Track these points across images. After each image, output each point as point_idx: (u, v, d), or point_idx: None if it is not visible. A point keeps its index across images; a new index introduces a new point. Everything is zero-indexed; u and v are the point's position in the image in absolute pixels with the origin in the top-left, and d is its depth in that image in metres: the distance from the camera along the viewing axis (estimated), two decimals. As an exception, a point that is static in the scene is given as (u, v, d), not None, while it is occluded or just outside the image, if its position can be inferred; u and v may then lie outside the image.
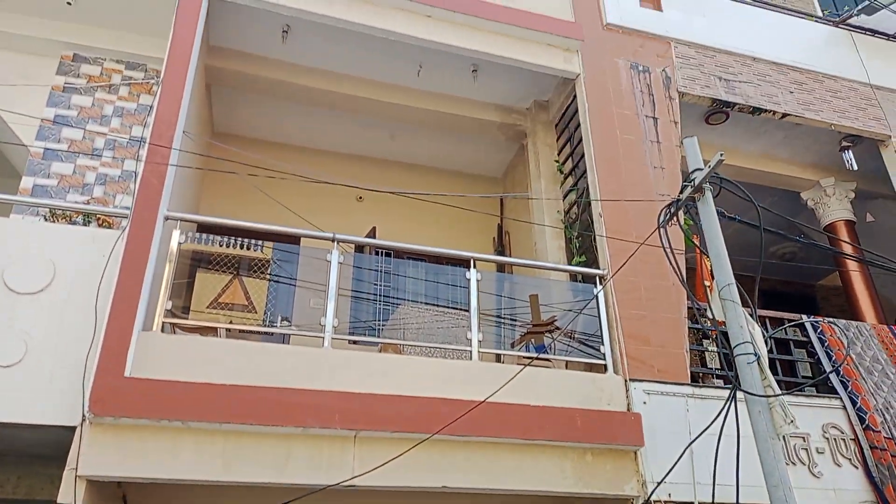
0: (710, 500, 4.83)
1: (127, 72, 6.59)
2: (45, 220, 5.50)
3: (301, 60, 7.15)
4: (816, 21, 8.86)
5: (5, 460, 4.80)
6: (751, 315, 4.70)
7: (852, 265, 7.58)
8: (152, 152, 5.04)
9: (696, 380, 5.81)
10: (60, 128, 6.15)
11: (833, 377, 5.98)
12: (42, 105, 6.20)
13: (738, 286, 4.59)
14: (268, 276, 5.89)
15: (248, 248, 5.80)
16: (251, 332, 5.40)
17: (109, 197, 5.96)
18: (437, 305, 6.39)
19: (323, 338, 5.09)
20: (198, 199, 7.44)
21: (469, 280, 5.78)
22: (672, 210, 5.15)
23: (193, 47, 5.63)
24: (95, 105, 6.37)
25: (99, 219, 5.58)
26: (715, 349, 6.09)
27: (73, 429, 4.21)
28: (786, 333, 6.44)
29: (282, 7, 6.22)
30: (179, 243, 5.12)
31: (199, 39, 5.79)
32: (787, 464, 4.16)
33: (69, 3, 6.25)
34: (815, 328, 6.36)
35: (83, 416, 4.20)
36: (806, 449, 5.57)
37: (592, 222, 6.44)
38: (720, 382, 6.01)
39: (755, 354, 4.33)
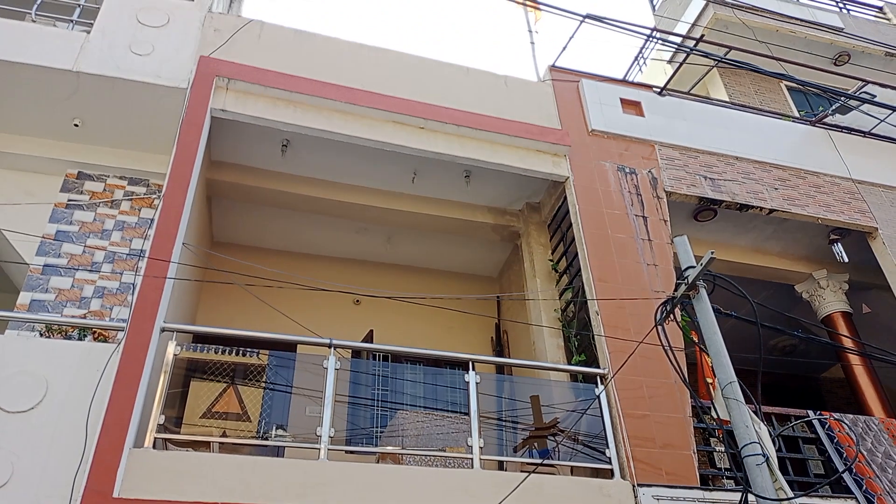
0: None
1: (129, 187, 6.78)
2: (41, 335, 5.48)
3: (300, 171, 7.39)
4: (794, 121, 9.25)
5: (-17, 592, 4.54)
6: (755, 413, 4.62)
7: (854, 358, 7.52)
8: (151, 266, 5.11)
9: (705, 482, 5.62)
10: (61, 243, 6.25)
11: (847, 476, 5.79)
12: (44, 221, 6.33)
13: (740, 383, 4.54)
14: (263, 384, 5.82)
15: (244, 355, 5.75)
16: (245, 444, 5.26)
17: (106, 309, 5.98)
18: (436, 409, 6.28)
19: (319, 449, 4.95)
20: (195, 308, 7.47)
21: (468, 382, 5.70)
22: (668, 308, 5.17)
23: (195, 163, 5.84)
24: (97, 220, 6.51)
25: (95, 332, 5.57)
26: (722, 449, 5.93)
27: (55, 557, 4.02)
28: (793, 431, 6.29)
29: (281, 124, 6.51)
30: (175, 355, 5.09)
31: (201, 156, 6.01)
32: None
33: (76, 125, 6.51)
34: (822, 425, 6.22)
35: (68, 542, 4.03)
36: (826, 554, 5.32)
37: (590, 320, 6.45)
38: (730, 484, 5.81)
39: (764, 455, 4.22)
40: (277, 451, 5.57)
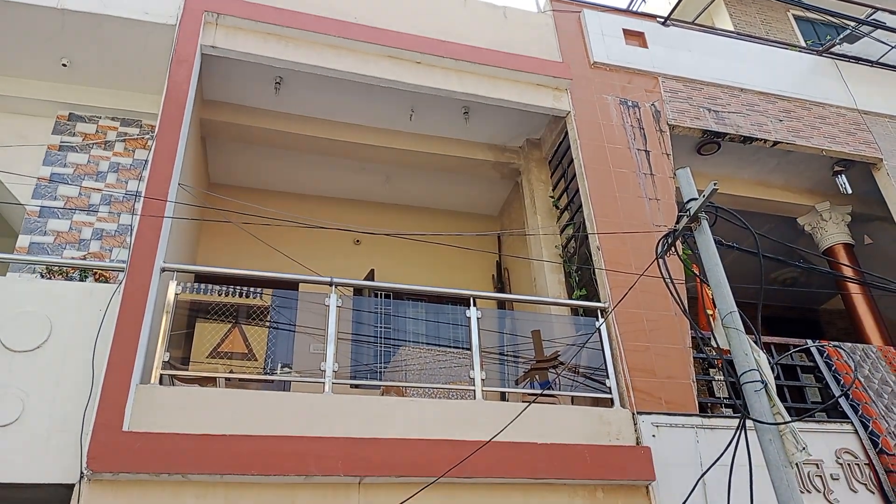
0: (728, 535, 4.71)
1: (122, 128, 6.67)
2: (42, 276, 5.49)
3: (294, 110, 7.25)
4: (800, 51, 9.02)
5: (3, 522, 4.69)
6: (755, 342, 4.65)
7: (854, 288, 7.55)
8: (148, 205, 5.07)
9: (704, 410, 5.72)
10: (56, 186, 6.20)
11: (843, 401, 5.89)
12: (38, 164, 6.26)
13: (740, 313, 4.55)
14: (267, 323, 5.88)
15: (247, 297, 5.79)
16: (251, 380, 5.33)
17: (106, 251, 5.97)
18: (439, 345, 6.35)
19: (323, 383, 5.02)
20: (195, 250, 7.46)
21: (469, 318, 5.73)
22: (669, 241, 5.14)
23: (187, 102, 5.72)
24: (91, 162, 6.43)
25: (96, 273, 5.58)
26: (721, 378, 6.01)
27: (71, 486, 4.12)
28: (792, 359, 6.37)
29: (273, 60, 6.35)
30: (177, 294, 5.10)
31: (193, 94, 5.89)
32: (802, 492, 4.06)
33: (64, 65, 6.36)
34: (821, 353, 6.29)
35: (81, 473, 4.12)
36: (820, 476, 5.45)
37: (591, 256, 6.44)
38: (729, 411, 5.92)
39: (762, 382, 4.27)
40: (283, 387, 5.66)
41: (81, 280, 5.44)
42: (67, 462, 4.16)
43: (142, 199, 5.07)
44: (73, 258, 5.79)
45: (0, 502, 4.44)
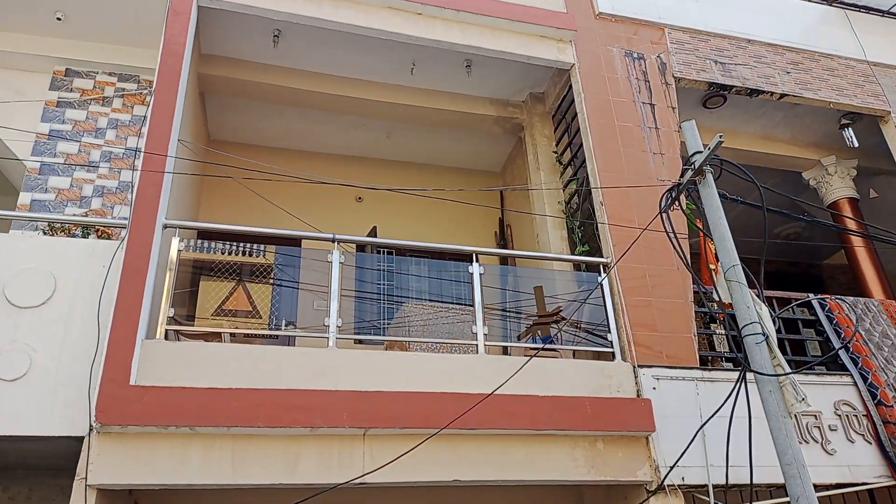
0: (724, 482, 4.80)
1: (119, 84, 6.59)
2: (44, 234, 5.49)
3: (293, 64, 7.14)
4: (809, 0, 8.80)
5: (16, 473, 4.80)
6: (757, 296, 4.65)
7: (857, 241, 7.52)
8: (148, 161, 5.03)
9: (704, 363, 5.77)
10: (56, 142, 6.15)
11: (843, 354, 5.93)
12: (36, 121, 6.21)
13: (743, 266, 4.55)
14: (271, 281, 5.91)
15: (250, 255, 5.79)
16: (255, 335, 5.38)
17: (107, 208, 5.96)
18: (442, 302, 6.38)
19: (328, 338, 5.06)
20: (197, 207, 7.45)
21: (472, 274, 5.74)
22: (673, 194, 5.10)
23: (184, 56, 5.62)
24: (89, 118, 6.37)
25: (98, 230, 5.58)
26: (723, 332, 6.05)
27: (80, 439, 4.20)
28: (793, 313, 6.39)
29: (271, 12, 6.21)
30: (179, 251, 5.11)
31: (190, 48, 5.78)
32: (800, 442, 4.12)
33: (59, 19, 6.24)
34: (822, 307, 6.31)
35: (90, 426, 4.19)
36: (818, 427, 5.53)
37: (594, 211, 6.41)
38: (729, 366, 5.97)
39: (763, 334, 4.29)
40: (288, 343, 5.71)
41: (84, 237, 5.45)
42: (76, 415, 4.23)
43: (142, 154, 5.03)
44: (74, 215, 5.78)
45: (13, 455, 4.55)
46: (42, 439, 4.22)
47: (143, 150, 5.06)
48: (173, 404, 4.33)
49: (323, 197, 7.85)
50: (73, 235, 5.46)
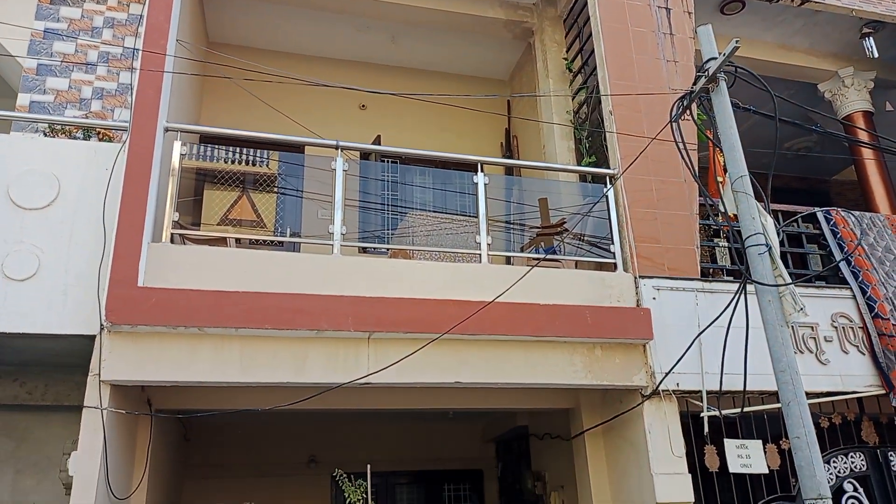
0: (718, 388, 4.95)
1: (114, -21, 6.32)
2: (45, 136, 5.43)
3: (294, -40, 6.82)
4: None
5: (32, 369, 4.97)
6: (763, 208, 4.63)
7: (867, 154, 7.40)
8: (147, 60, 4.90)
9: (706, 276, 5.81)
10: (51, 41, 5.98)
11: (844, 267, 5.96)
12: (30, 18, 6.00)
13: (751, 177, 4.50)
14: (275, 190, 5.89)
15: (253, 164, 5.75)
16: (261, 241, 5.41)
17: (108, 111, 5.86)
18: (446, 212, 6.38)
19: (332, 246, 5.09)
20: (198, 113, 7.32)
21: (477, 184, 5.70)
22: (685, 103, 4.99)
23: (180, -52, 5.37)
24: (85, 17, 6.16)
25: (100, 133, 5.51)
26: (726, 244, 6.06)
27: (92, 338, 4.31)
28: (798, 226, 6.38)
29: None
30: (182, 155, 5.07)
31: (186, -61, 5.52)
32: (795, 352, 4.19)
33: None
34: (828, 220, 6.28)
35: (101, 325, 4.30)
36: (814, 338, 5.63)
37: (603, 121, 6.29)
38: (730, 278, 6.01)
39: (767, 245, 4.30)
40: (293, 250, 5.75)
41: (86, 139, 5.39)
42: (87, 315, 4.32)
43: (140, 54, 4.89)
44: (74, 117, 5.70)
45: (28, 351, 4.69)
46: (55, 337, 4.33)
47: (141, 49, 4.92)
48: (181, 306, 4.42)
49: (326, 104, 7.70)
50: (75, 138, 5.40)
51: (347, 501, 4.54)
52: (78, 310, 4.33)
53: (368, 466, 4.71)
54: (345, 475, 4.65)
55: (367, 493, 4.59)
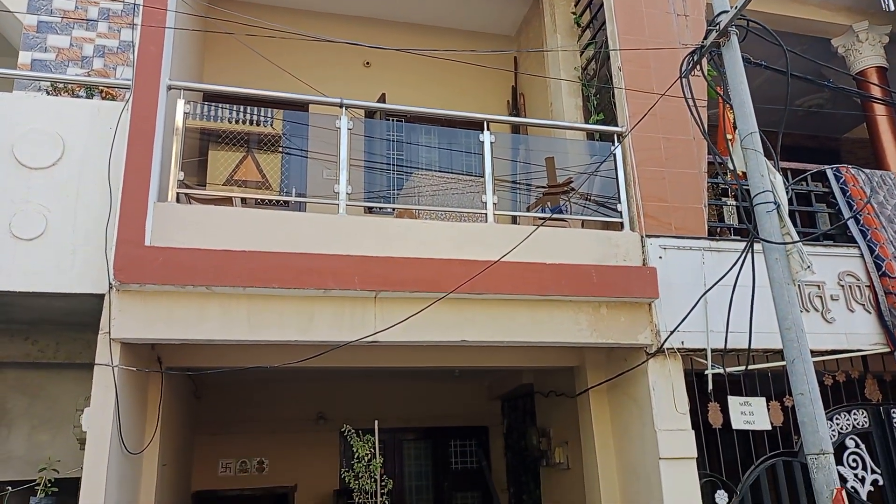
0: (723, 346, 4.98)
1: (111, -68, 6.18)
2: (48, 94, 5.39)
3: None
4: None
5: (44, 328, 5.03)
6: (773, 165, 4.59)
7: (880, 111, 7.27)
8: (148, 16, 4.83)
9: (713, 234, 5.79)
10: (51, -3, 5.88)
11: (852, 225, 5.92)
12: (29, -26, 5.90)
13: (761, 134, 4.45)
14: (280, 150, 5.86)
15: (258, 124, 5.70)
16: (266, 201, 5.41)
17: (110, 69, 5.80)
18: (451, 172, 6.34)
19: (337, 205, 5.08)
20: (200, 71, 7.24)
21: (483, 143, 5.65)
22: (695, 58, 4.90)
23: None
24: (84, -29, 6.04)
25: (102, 92, 5.46)
26: (734, 203, 6.02)
27: (101, 296, 4.35)
28: (807, 185, 6.32)
29: None
30: (186, 113, 5.03)
31: None
32: (800, 311, 4.20)
33: None
34: (837, 178, 6.22)
35: (109, 284, 4.33)
36: (820, 297, 5.63)
37: (611, 77, 6.18)
38: (737, 237, 5.99)
39: (775, 203, 4.27)
40: (299, 209, 5.74)
41: (89, 98, 5.34)
42: (95, 274, 4.35)
43: (141, 9, 4.81)
44: (77, 75, 5.64)
45: (39, 310, 4.74)
46: (65, 296, 4.37)
47: (142, 3, 4.84)
48: (189, 265, 4.44)
49: (330, 62, 7.59)
50: (77, 97, 5.35)
51: (356, 455, 4.63)
52: (86, 269, 4.36)
53: (376, 422, 4.78)
54: (353, 431, 4.72)
55: (374, 448, 4.67)
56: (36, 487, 4.25)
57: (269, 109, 5.59)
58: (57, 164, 4.56)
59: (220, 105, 5.54)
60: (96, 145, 4.64)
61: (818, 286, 5.63)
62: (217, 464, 8.25)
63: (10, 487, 4.51)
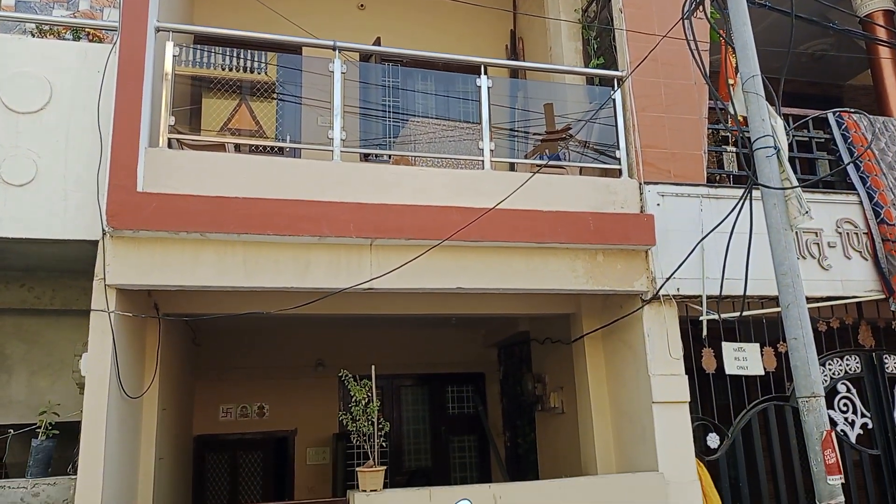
0: (718, 293, 4.99)
1: None
2: (33, 37, 5.25)
3: None
4: None
5: (39, 275, 5.02)
6: (774, 110, 4.51)
7: (885, 54, 7.12)
8: (132, -47, 4.66)
9: (712, 182, 5.74)
10: (32, -66, 5.67)
11: (852, 171, 5.87)
12: None
13: (763, 77, 4.35)
14: (274, 97, 5.77)
15: (251, 71, 5.59)
16: (259, 147, 5.33)
17: (97, 11, 5.65)
18: (448, 119, 6.25)
19: (332, 151, 5.01)
20: (189, 16, 7.04)
21: (480, 88, 5.54)
22: (697, -1, 4.77)
23: None
24: None
25: (89, 34, 5.32)
26: (734, 150, 5.95)
27: (95, 243, 4.33)
28: (809, 131, 6.24)
29: None
30: (175, 56, 4.90)
31: None
32: (797, 257, 4.19)
33: None
34: (839, 124, 6.13)
35: (103, 230, 4.30)
36: (818, 244, 5.62)
37: (612, 19, 6.03)
38: (737, 185, 5.94)
39: (775, 148, 4.21)
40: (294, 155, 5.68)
41: (76, 40, 5.21)
42: (88, 220, 4.32)
43: (124, -54, 4.64)
44: (62, 17, 5.49)
45: (34, 257, 4.72)
46: (58, 242, 4.35)
47: (125, -60, 4.66)
48: (182, 211, 4.40)
49: (323, 5, 7.41)
50: (64, 39, 5.21)
51: (353, 399, 4.69)
52: (79, 215, 4.32)
53: (373, 367, 4.82)
54: (350, 376, 4.77)
55: (371, 392, 4.72)
56: (37, 430, 4.31)
57: (263, 54, 5.47)
58: (45, 108, 4.48)
59: (211, 49, 5.42)
60: (84, 89, 4.54)
61: (815, 233, 5.61)
62: (218, 409, 8.38)
63: (11, 430, 4.58)
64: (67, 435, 4.33)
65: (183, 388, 6.65)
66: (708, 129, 5.80)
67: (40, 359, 5.16)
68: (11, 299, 5.02)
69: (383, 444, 4.74)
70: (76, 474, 3.99)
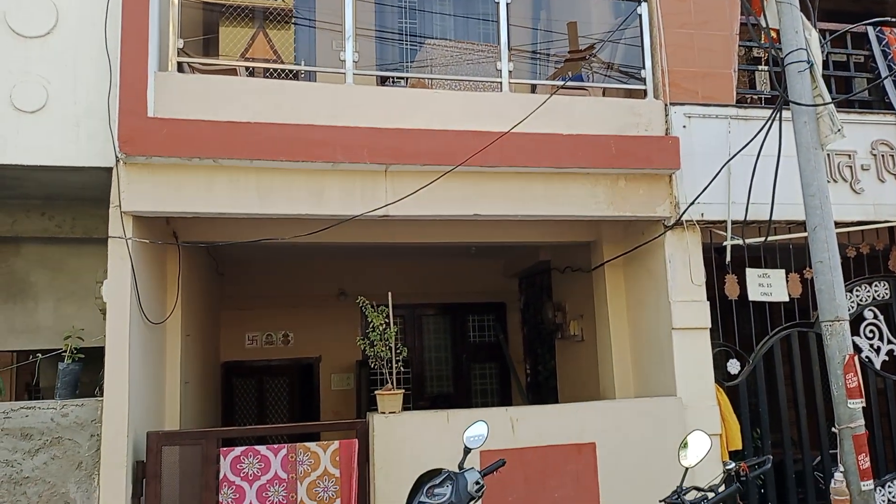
0: (743, 218, 4.85)
1: None
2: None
3: None
4: None
5: (58, 204, 5.05)
6: (809, 22, 4.25)
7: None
8: None
9: (741, 102, 5.49)
10: None
11: (890, 88, 5.56)
12: None
13: (798, -12, 4.08)
14: (291, 21, 5.66)
15: (268, -2, 5.52)
16: (273, 71, 5.22)
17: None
18: (466, 41, 6.06)
19: (344, 74, 4.87)
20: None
21: (498, 3, 5.29)
22: None
23: None
24: None
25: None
26: (765, 69, 5.66)
27: (109, 170, 4.31)
28: (847, 47, 5.89)
29: None
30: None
31: None
32: (828, 181, 4.01)
33: None
34: (879, 40, 5.78)
35: (116, 156, 4.27)
36: (850, 167, 5.39)
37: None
38: (767, 106, 5.68)
39: (808, 62, 3.98)
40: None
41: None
42: (101, 147, 4.29)
43: None
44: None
45: (51, 185, 4.74)
46: (72, 170, 4.34)
47: None
48: (195, 137, 4.35)
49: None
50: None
51: (371, 325, 4.72)
52: (91, 142, 4.29)
53: (389, 294, 4.83)
54: (368, 302, 4.79)
55: (388, 318, 4.75)
56: (63, 354, 4.42)
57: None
58: (52, 32, 4.38)
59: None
60: (91, 12, 4.43)
61: (849, 155, 5.38)
62: (244, 337, 8.57)
63: (39, 354, 4.71)
64: (94, 359, 4.45)
65: (208, 316, 6.77)
66: (739, 46, 5.51)
67: (65, 286, 5.26)
68: (33, 228, 5.07)
69: (405, 370, 4.81)
70: (103, 396, 4.11)
